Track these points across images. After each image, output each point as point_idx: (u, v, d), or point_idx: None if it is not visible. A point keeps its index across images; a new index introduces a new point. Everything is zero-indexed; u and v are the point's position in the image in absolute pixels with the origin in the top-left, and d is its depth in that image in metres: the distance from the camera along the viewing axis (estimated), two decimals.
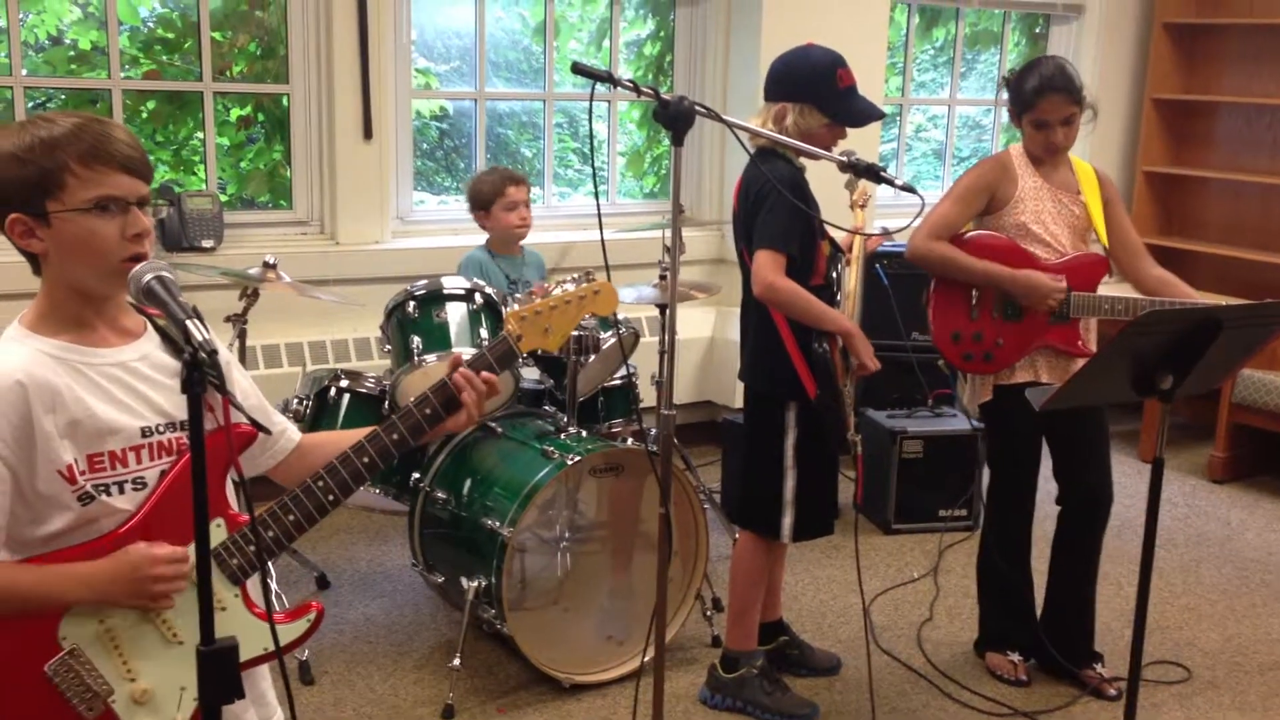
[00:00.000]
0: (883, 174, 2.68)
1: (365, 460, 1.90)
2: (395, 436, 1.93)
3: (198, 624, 1.56)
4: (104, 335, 1.78)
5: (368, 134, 4.57)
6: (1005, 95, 3.35)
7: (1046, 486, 3.41)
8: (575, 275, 2.12)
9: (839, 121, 3.02)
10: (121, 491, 1.76)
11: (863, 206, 3.20)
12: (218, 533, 1.82)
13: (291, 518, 1.86)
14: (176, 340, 1.80)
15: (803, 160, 3.07)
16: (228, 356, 1.88)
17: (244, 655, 1.79)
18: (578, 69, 2.27)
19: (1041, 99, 3.20)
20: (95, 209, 1.69)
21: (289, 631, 1.89)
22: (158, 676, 1.78)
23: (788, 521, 3.16)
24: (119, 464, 1.75)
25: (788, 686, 3.31)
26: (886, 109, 5.82)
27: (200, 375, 1.50)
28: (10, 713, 1.71)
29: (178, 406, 1.80)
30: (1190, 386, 2.50)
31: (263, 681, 1.96)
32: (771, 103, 3.05)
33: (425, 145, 5.53)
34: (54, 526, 1.73)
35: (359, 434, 1.94)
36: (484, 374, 1.98)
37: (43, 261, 1.74)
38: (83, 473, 1.72)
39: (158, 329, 1.85)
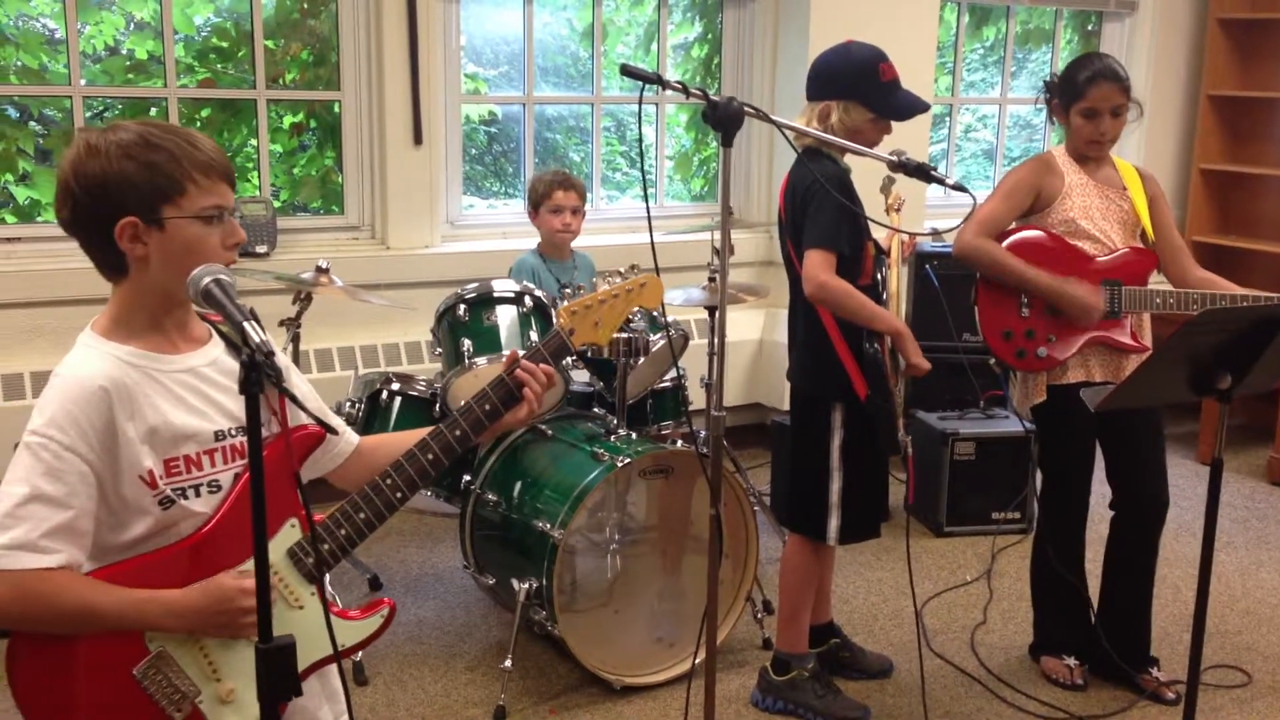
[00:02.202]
0: (933, 173, 2.66)
1: (430, 457, 1.94)
2: (458, 432, 1.97)
3: (273, 623, 1.58)
4: (175, 342, 1.81)
5: (418, 139, 4.61)
6: (1044, 97, 3.34)
7: (1101, 489, 3.37)
8: (622, 270, 2.14)
9: (884, 116, 3.01)
10: (198, 495, 1.78)
11: (898, 210, 3.19)
12: (292, 533, 1.85)
13: (363, 515, 1.89)
14: (235, 343, 1.83)
15: (847, 160, 3.06)
16: (285, 362, 1.90)
17: (321, 653, 1.84)
18: (627, 71, 2.27)
19: (1093, 87, 3.19)
20: (206, 218, 1.74)
21: (361, 629, 1.92)
22: (242, 675, 1.79)
23: (834, 524, 3.15)
24: (194, 468, 1.78)
25: (839, 689, 3.29)
26: (936, 109, 5.79)
27: (258, 376, 1.52)
28: (101, 716, 1.73)
29: None
30: (1249, 386, 2.47)
31: (335, 679, 1.98)
32: (815, 101, 3.04)
33: (474, 150, 5.57)
34: (135, 532, 1.75)
35: (419, 434, 1.98)
36: (542, 366, 2.03)
37: (134, 267, 1.75)
38: (161, 477, 1.75)
39: (221, 335, 1.88)
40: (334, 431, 1.93)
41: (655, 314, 3.61)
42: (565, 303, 3.47)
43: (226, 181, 1.76)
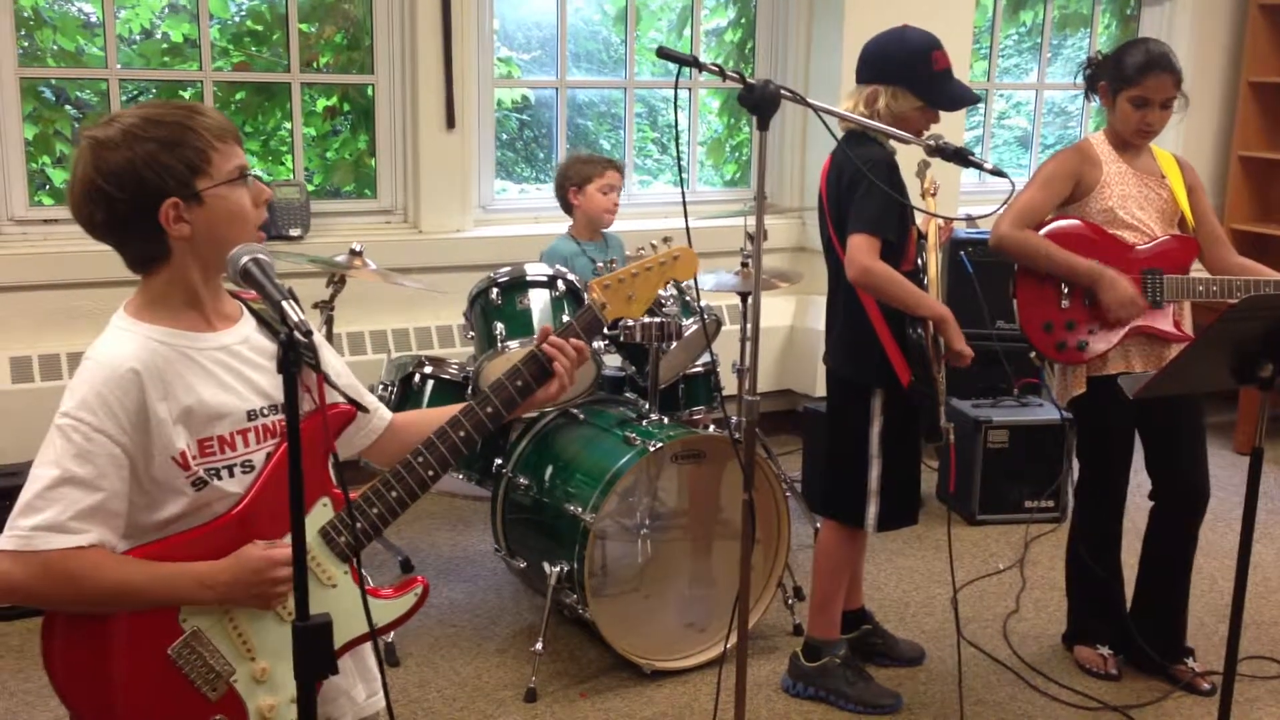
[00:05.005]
0: (971, 157, 2.64)
1: (462, 434, 1.92)
2: (490, 410, 1.95)
3: (309, 601, 1.58)
4: (210, 319, 1.80)
5: (450, 123, 4.62)
6: (1085, 75, 3.29)
7: (1139, 480, 3.34)
8: (655, 243, 2.13)
9: (933, 105, 2.97)
10: (231, 475, 1.78)
11: (933, 195, 3.16)
12: (324, 512, 1.85)
13: (394, 494, 1.88)
14: (272, 322, 1.83)
15: (893, 144, 3.03)
16: (319, 339, 1.89)
17: (355, 632, 1.84)
18: (663, 53, 2.26)
19: (1147, 76, 3.14)
20: (237, 180, 1.75)
21: (395, 607, 1.92)
22: (275, 655, 1.80)
23: (873, 511, 3.13)
24: (228, 448, 1.77)
25: (870, 676, 3.28)
26: None
27: (296, 355, 1.52)
28: (137, 697, 1.73)
29: (278, 388, 1.79)
30: None
31: (369, 659, 1.98)
32: (864, 85, 3.00)
33: (505, 136, 5.57)
34: (168, 512, 1.75)
35: (451, 410, 1.96)
36: (573, 340, 2.00)
37: (177, 249, 1.74)
38: (194, 458, 1.74)
39: (253, 312, 1.88)
40: (364, 409, 1.92)
41: (688, 298, 3.60)
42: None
43: (238, 142, 1.78)
